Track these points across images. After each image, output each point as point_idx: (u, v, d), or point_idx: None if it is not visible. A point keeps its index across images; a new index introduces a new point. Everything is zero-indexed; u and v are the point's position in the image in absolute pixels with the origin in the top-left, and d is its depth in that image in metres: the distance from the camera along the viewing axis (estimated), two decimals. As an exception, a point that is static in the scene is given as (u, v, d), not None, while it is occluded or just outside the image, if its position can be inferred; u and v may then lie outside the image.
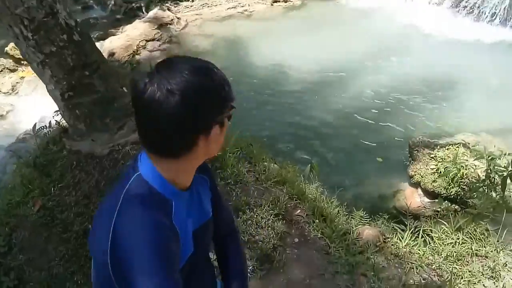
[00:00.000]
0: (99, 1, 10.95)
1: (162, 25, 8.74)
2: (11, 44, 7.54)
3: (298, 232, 3.14)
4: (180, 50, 8.14)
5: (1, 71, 7.71)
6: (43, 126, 3.09)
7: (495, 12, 7.94)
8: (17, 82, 7.57)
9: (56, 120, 3.18)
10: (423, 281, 2.67)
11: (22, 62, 7.62)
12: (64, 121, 3.07)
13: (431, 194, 4.47)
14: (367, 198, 4.69)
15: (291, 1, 9.48)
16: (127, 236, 0.92)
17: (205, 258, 1.33)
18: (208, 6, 9.59)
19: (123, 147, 2.76)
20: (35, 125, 3.11)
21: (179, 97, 0.89)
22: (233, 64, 7.18)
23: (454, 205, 4.19)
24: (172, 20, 8.96)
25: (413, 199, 4.61)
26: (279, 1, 9.48)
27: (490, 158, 3.39)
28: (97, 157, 2.78)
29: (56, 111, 3.07)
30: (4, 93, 7.41)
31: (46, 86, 2.85)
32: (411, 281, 2.66)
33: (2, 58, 7.77)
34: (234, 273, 1.37)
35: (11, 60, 7.69)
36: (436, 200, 4.34)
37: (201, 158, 1.04)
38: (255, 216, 3.02)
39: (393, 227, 3.51)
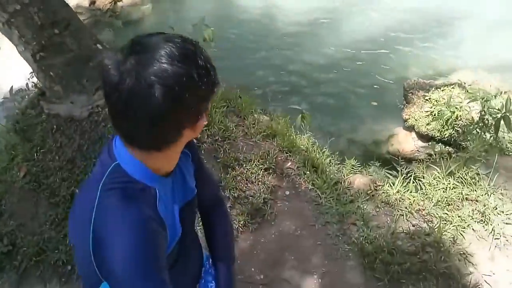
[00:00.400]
0: None
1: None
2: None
3: (289, 185, 3.13)
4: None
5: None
6: (19, 89, 2.97)
7: None
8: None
9: (33, 82, 3.05)
10: (411, 228, 2.69)
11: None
12: (40, 84, 2.94)
13: (425, 138, 4.43)
14: (360, 144, 4.66)
15: None
16: (109, 236, 0.85)
17: (193, 232, 1.31)
18: None
19: (103, 109, 2.66)
20: (11, 88, 2.99)
21: (160, 90, 0.78)
22: (222, 10, 6.85)
23: (447, 147, 4.17)
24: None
25: (407, 143, 4.58)
26: None
27: (484, 99, 3.29)
28: (77, 120, 2.69)
29: (31, 72, 2.93)
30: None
31: (16, 48, 2.69)
32: (400, 228, 2.68)
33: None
34: (220, 241, 1.35)
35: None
36: (430, 144, 4.31)
37: (185, 143, 0.96)
38: (245, 172, 2.99)
39: (385, 174, 3.50)
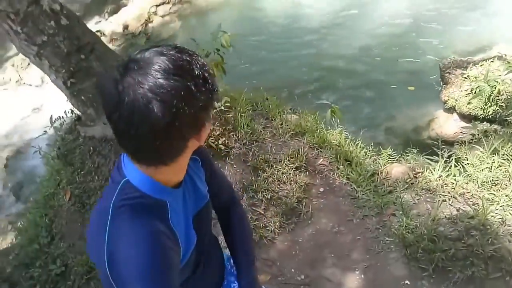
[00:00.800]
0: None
1: (169, -15, 8.48)
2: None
3: (323, 182, 3.08)
4: (192, 10, 7.94)
5: (28, 64, 7.96)
6: (58, 117, 3.17)
7: None
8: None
9: (70, 109, 3.24)
10: (454, 213, 2.55)
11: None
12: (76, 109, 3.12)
13: (467, 118, 4.19)
14: (399, 133, 4.49)
15: None
16: (122, 252, 0.87)
17: (211, 236, 1.32)
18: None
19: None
20: (51, 117, 3.19)
21: (159, 106, 0.78)
22: (246, 17, 6.91)
23: (492, 125, 3.93)
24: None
25: (449, 125, 4.36)
26: None
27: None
28: (110, 140, 2.82)
29: (67, 100, 3.12)
30: (36, 86, 7.68)
31: (49, 77, 2.87)
32: (442, 214, 2.55)
33: (25, 52, 7.98)
34: (240, 241, 1.35)
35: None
36: (472, 123, 4.08)
37: (191, 153, 0.95)
38: (275, 173, 2.98)
39: (424, 160, 3.35)
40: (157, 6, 8.08)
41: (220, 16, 7.21)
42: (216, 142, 2.96)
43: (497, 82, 3.76)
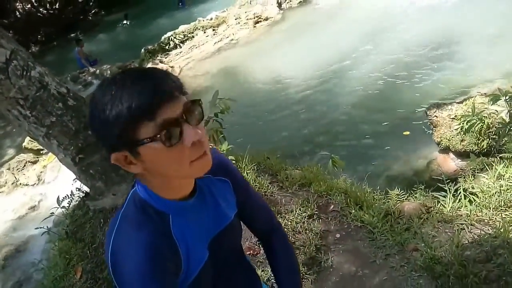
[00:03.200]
0: (96, 75, 11.44)
1: (158, 77, 8.97)
2: (28, 139, 7.94)
3: (338, 227, 3.04)
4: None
5: (24, 165, 8.07)
6: (65, 196, 3.17)
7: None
8: (41, 172, 7.86)
9: (76, 188, 3.25)
10: (476, 237, 2.52)
11: (42, 152, 7.99)
12: (83, 186, 3.14)
13: (463, 155, 4.31)
14: (400, 177, 4.56)
15: (272, 17, 9.66)
16: (120, 258, 0.92)
17: (235, 261, 1.28)
18: (196, 47, 9.86)
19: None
20: (58, 197, 3.19)
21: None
22: (233, 90, 7.28)
23: (490, 158, 4.02)
24: (166, 70, 9.21)
25: (447, 164, 4.46)
26: (260, 21, 9.68)
27: (508, 97, 3.25)
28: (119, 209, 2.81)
29: (74, 178, 3.14)
30: (32, 185, 7.70)
31: (57, 156, 2.93)
32: (464, 240, 2.52)
33: (22, 154, 8.16)
34: (283, 269, 1.32)
35: (31, 154, 8.06)
36: (471, 159, 4.17)
37: (162, 174, 0.94)
38: (289, 223, 2.95)
39: (433, 196, 3.37)
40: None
41: (212, 88, 7.66)
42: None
43: (485, 116, 3.94)
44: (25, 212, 7.04)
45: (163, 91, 0.86)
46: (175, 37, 10.18)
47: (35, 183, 7.62)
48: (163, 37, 10.35)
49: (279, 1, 9.94)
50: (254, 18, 9.57)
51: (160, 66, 9.36)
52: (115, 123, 0.85)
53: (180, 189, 1.01)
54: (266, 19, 9.58)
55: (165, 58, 9.82)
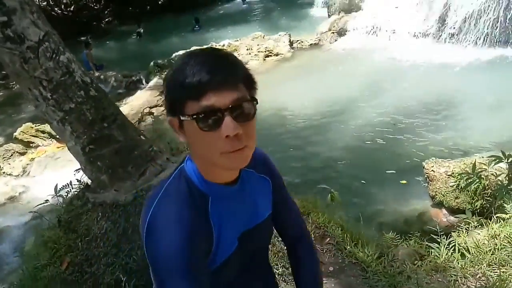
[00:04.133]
0: (100, 80, 11.51)
1: (163, 92, 9.04)
2: (20, 129, 7.86)
3: (332, 260, 3.05)
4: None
5: (11, 155, 7.93)
6: (64, 185, 3.12)
7: (478, 37, 8.29)
8: (27, 164, 7.74)
9: (76, 179, 3.21)
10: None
11: (31, 144, 7.88)
12: (85, 178, 3.10)
13: (456, 212, 4.38)
14: (392, 223, 4.58)
15: (282, 54, 9.93)
16: (158, 229, 0.95)
17: (260, 259, 1.29)
18: (204, 68, 10.00)
19: (147, 192, 2.76)
20: (56, 186, 3.14)
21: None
22: None
23: (481, 218, 4.10)
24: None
25: (439, 219, 4.51)
26: (270, 55, 9.93)
27: (510, 160, 3.38)
28: (121, 205, 2.77)
29: (77, 169, 3.11)
30: (15, 175, 7.54)
31: (67, 144, 2.92)
32: (460, 290, 2.54)
33: (12, 143, 8.05)
34: (306, 277, 1.31)
35: (20, 145, 7.94)
36: (464, 217, 4.25)
37: (199, 155, 1.00)
38: (284, 249, 2.94)
39: (427, 245, 3.41)
40: (150, 107, 8.54)
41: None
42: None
43: (483, 177, 4.05)
44: (3, 202, 6.86)
45: (219, 78, 0.89)
46: (186, 56, 10.35)
47: (19, 174, 7.46)
48: (174, 54, 10.51)
49: (291, 40, 10.25)
50: (266, 52, 9.83)
51: (166, 81, 9.45)
52: (171, 90, 0.94)
53: (220, 175, 1.03)
54: (277, 54, 9.84)
55: (173, 74, 9.92)
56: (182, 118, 0.93)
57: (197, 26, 14.68)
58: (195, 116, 0.89)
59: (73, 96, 2.76)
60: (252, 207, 1.14)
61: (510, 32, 7.97)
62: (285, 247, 1.38)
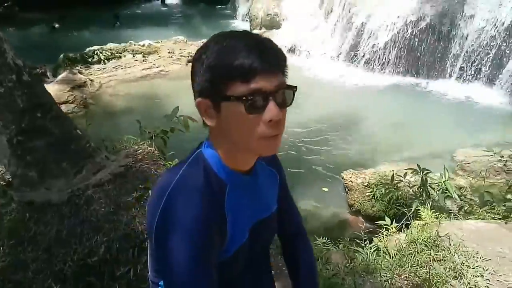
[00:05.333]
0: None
1: (74, 87, 8.38)
2: None
3: (273, 264, 3.08)
4: (98, 110, 7.87)
5: None
6: (-23, 182, 2.69)
7: (384, 63, 9.23)
8: None
9: (-7, 174, 2.79)
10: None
11: None
12: (6, 175, 2.72)
13: (373, 219, 4.77)
14: (314, 230, 4.81)
15: (206, 60, 9.85)
16: (172, 216, 0.91)
17: (264, 255, 1.28)
18: (122, 68, 9.52)
19: (84, 192, 2.52)
20: (-34, 181, 2.70)
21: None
22: (152, 120, 7.11)
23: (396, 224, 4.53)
24: (85, 82, 8.67)
25: (357, 226, 4.86)
26: (194, 61, 9.80)
27: (425, 173, 3.79)
28: (54, 205, 2.48)
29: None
30: None
31: (-12, 133, 2.54)
32: (393, 288, 2.77)
33: None
34: (303, 273, 1.32)
35: None
36: (383, 222, 4.64)
37: (233, 140, 0.96)
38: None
39: (354, 249, 3.64)
40: (59, 103, 7.81)
41: (128, 107, 7.38)
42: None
43: (394, 189, 4.49)
44: None
45: (268, 62, 0.89)
46: (101, 52, 9.74)
47: None
48: (87, 49, 9.82)
49: (214, 48, 10.26)
50: (189, 56, 9.69)
51: (78, 76, 8.79)
52: (213, 68, 0.90)
53: (242, 162, 1.03)
54: (200, 60, 9.76)
55: (86, 70, 9.25)
56: (222, 99, 0.90)
57: (117, 23, 13.92)
58: (244, 98, 0.87)
59: (4, 79, 2.43)
60: (263, 198, 1.14)
61: (411, 63, 9.02)
62: (281, 244, 1.37)
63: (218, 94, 0.91)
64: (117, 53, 9.93)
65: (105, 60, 9.65)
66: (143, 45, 10.30)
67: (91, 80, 8.83)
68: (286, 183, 1.30)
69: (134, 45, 10.35)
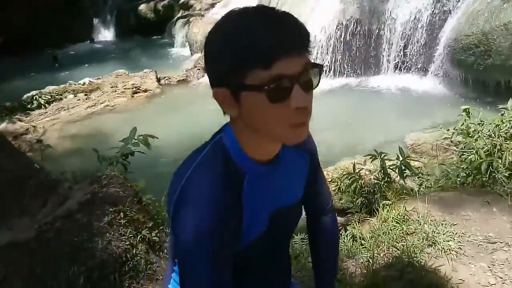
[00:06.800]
0: None
1: (16, 136, 8.01)
2: None
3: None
4: (47, 152, 7.49)
5: None
6: None
7: (331, 68, 9.59)
8: None
9: None
10: (384, 263, 2.89)
11: None
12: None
13: (342, 212, 4.89)
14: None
15: (151, 90, 9.79)
16: (188, 204, 0.89)
17: (284, 245, 1.26)
18: (65, 109, 9.23)
19: (53, 224, 2.40)
20: None
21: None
22: (107, 152, 6.91)
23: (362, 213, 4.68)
24: (27, 129, 8.31)
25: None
26: (139, 92, 9.70)
27: (383, 156, 3.98)
28: (21, 244, 2.34)
29: None
30: None
31: None
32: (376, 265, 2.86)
33: None
34: (329, 247, 1.32)
35: None
36: (349, 215, 4.78)
37: (259, 129, 0.88)
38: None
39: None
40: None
41: (78, 148, 7.14)
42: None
43: (356, 178, 4.65)
44: None
45: (291, 42, 0.78)
46: (40, 97, 9.40)
47: None
48: (25, 96, 9.43)
49: (158, 77, 10.24)
50: (133, 88, 9.58)
51: (19, 125, 8.41)
52: (228, 57, 0.80)
53: (266, 151, 0.97)
54: (145, 90, 9.67)
55: (26, 117, 8.87)
56: (241, 89, 0.81)
57: (56, 64, 13.51)
58: (266, 87, 0.78)
59: None
60: (286, 186, 1.08)
61: (349, 64, 9.48)
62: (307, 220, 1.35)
63: (235, 83, 0.81)
64: (57, 95, 9.62)
65: (46, 104, 9.33)
66: (84, 84, 10.05)
67: (34, 127, 8.47)
68: (317, 165, 1.25)
69: (74, 84, 10.08)
